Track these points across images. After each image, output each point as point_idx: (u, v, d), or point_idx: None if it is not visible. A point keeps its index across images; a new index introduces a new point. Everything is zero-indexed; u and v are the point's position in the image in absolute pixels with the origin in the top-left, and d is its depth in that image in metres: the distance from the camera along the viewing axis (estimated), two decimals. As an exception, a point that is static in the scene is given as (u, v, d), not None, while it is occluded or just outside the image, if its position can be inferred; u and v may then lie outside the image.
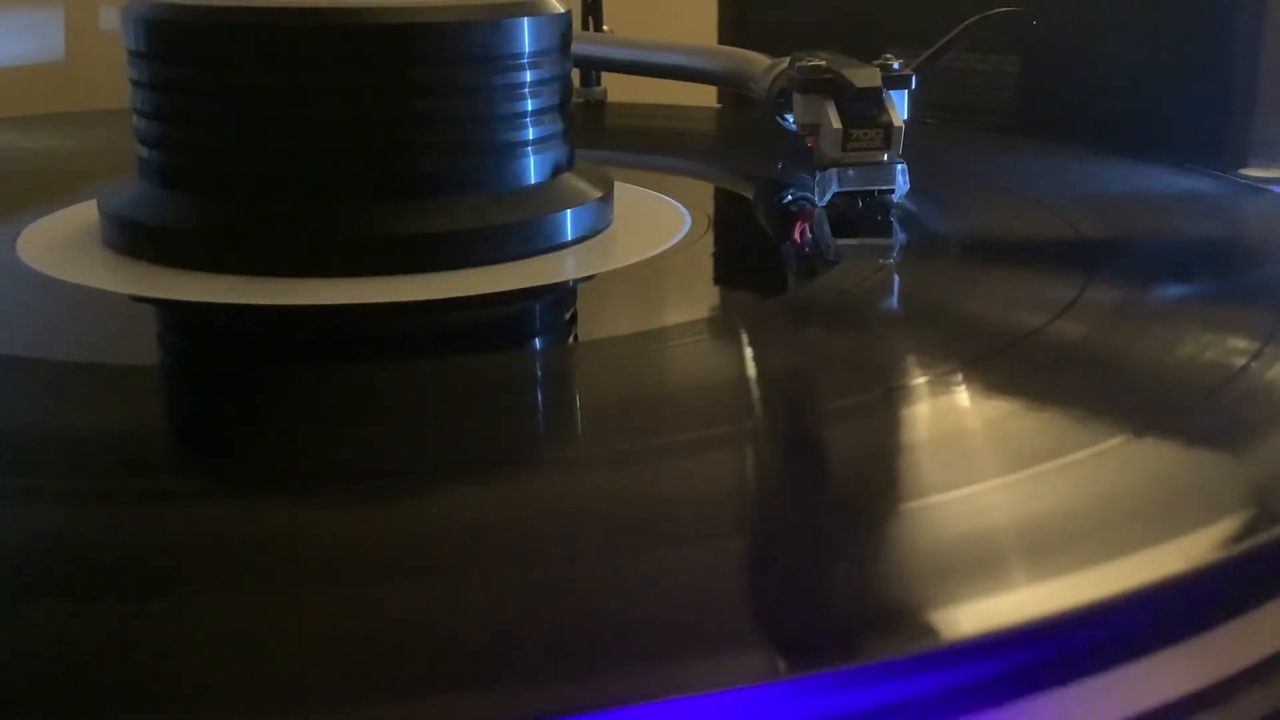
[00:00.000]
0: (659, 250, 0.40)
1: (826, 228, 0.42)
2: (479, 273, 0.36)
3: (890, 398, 0.29)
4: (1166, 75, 0.59)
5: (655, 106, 0.67)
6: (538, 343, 0.35)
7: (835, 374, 0.31)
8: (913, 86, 0.45)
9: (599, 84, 0.68)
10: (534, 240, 0.38)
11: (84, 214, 0.41)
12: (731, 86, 0.55)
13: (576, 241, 0.39)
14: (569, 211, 0.39)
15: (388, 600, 0.20)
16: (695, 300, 0.38)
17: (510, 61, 0.38)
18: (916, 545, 0.22)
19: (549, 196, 0.39)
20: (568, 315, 0.37)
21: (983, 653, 0.19)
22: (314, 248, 0.36)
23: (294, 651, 0.19)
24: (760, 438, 0.27)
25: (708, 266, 0.41)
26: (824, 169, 0.43)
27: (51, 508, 0.23)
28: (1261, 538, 0.22)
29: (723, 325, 0.35)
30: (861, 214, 0.43)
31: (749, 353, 0.33)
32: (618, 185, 0.43)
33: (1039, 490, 0.24)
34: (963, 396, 0.29)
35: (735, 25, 0.73)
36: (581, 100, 0.66)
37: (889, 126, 0.42)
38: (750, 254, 0.44)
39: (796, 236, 0.43)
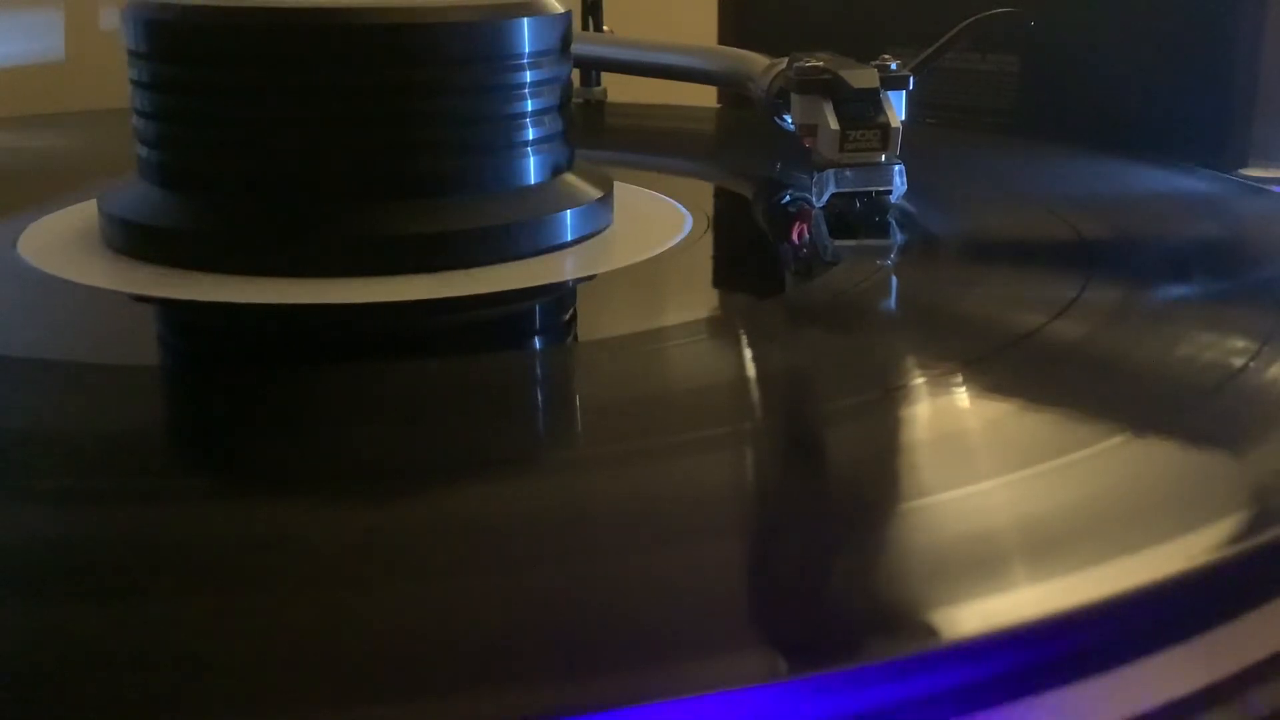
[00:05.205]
0: (659, 250, 0.40)
1: (824, 228, 0.42)
2: (479, 273, 0.36)
3: (890, 398, 0.29)
4: (1166, 75, 0.59)
5: (655, 106, 0.67)
6: (538, 342, 0.35)
7: (834, 374, 0.31)
8: (910, 87, 0.45)
9: (599, 84, 0.68)
10: (534, 240, 0.38)
11: (84, 214, 0.41)
12: (730, 87, 0.55)
13: (576, 242, 0.39)
14: (569, 211, 0.39)
15: (387, 600, 0.20)
16: (694, 300, 0.38)
17: (510, 62, 0.38)
18: (916, 545, 0.22)
19: (549, 196, 0.39)
20: (567, 315, 0.37)
21: (983, 653, 0.19)
22: (314, 248, 0.36)
23: (293, 651, 0.19)
24: (760, 438, 0.27)
25: (707, 267, 0.41)
26: (822, 170, 0.43)
27: (51, 508, 0.23)
28: (1261, 538, 0.22)
29: (722, 325, 0.35)
30: (859, 215, 0.43)
31: (748, 353, 0.33)
32: (618, 185, 0.43)
33: (1039, 490, 0.24)
34: (962, 396, 0.29)
35: (735, 25, 0.73)
36: (581, 100, 0.66)
37: (886, 127, 0.42)
38: (749, 254, 0.44)
39: (795, 237, 0.43)
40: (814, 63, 0.44)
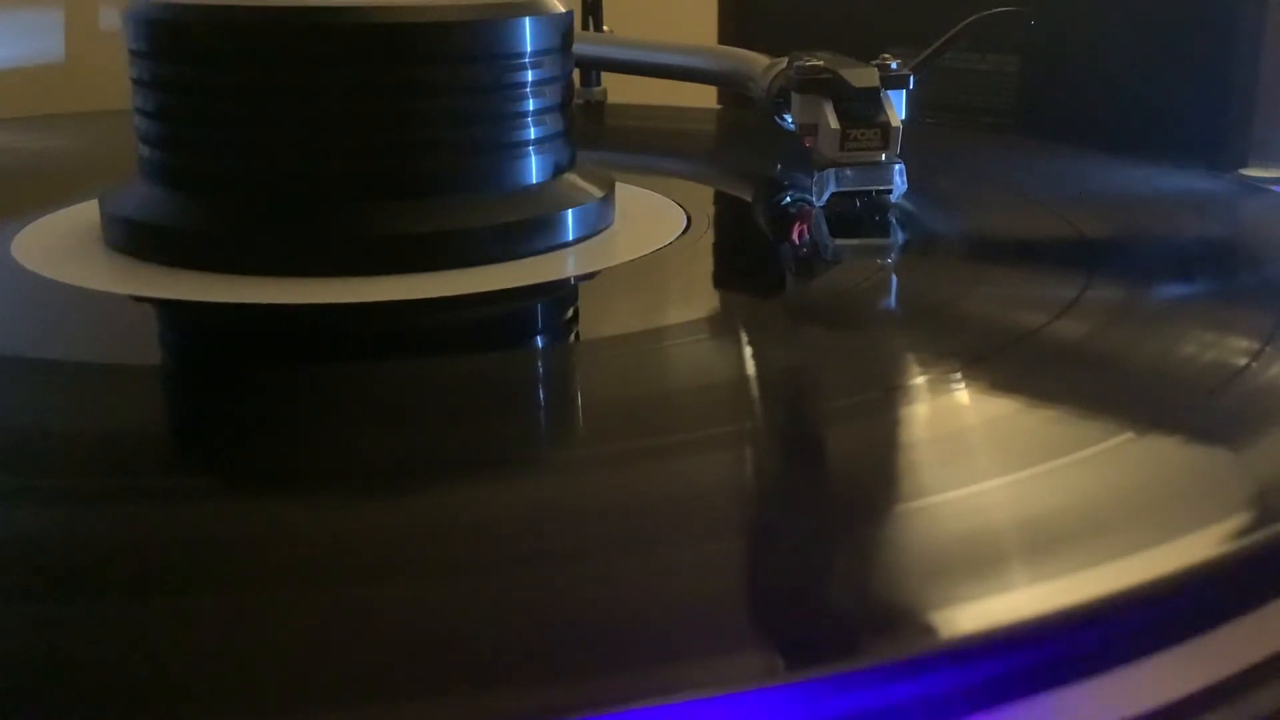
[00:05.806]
0: (659, 250, 0.40)
1: (825, 228, 0.42)
2: (480, 272, 0.36)
3: (890, 398, 0.29)
4: (1166, 75, 0.59)
5: (655, 107, 0.67)
6: (539, 341, 0.35)
7: (835, 374, 0.31)
8: (911, 86, 0.45)
9: (599, 84, 0.68)
10: (535, 240, 0.38)
11: (84, 214, 0.41)
12: (731, 86, 0.55)
13: (577, 241, 0.39)
14: (570, 211, 0.39)
15: (387, 600, 0.20)
16: (695, 300, 0.38)
17: (511, 61, 0.38)
18: (916, 545, 0.22)
19: (550, 196, 0.39)
20: (569, 315, 0.37)
21: (982, 653, 0.19)
22: (314, 248, 0.36)
23: (292, 651, 0.19)
24: (760, 438, 0.27)
25: (708, 267, 0.41)
26: (822, 169, 0.43)
27: (51, 508, 0.23)
28: (1261, 538, 0.22)
29: (722, 325, 0.35)
30: (859, 214, 0.43)
31: (748, 352, 0.33)
32: (617, 185, 0.43)
33: (1039, 490, 0.24)
34: (963, 396, 0.29)
35: (735, 25, 0.73)
36: (581, 100, 0.66)
37: (886, 126, 0.42)
38: (749, 254, 0.44)
39: (795, 237, 0.43)
40: (814, 62, 0.44)
